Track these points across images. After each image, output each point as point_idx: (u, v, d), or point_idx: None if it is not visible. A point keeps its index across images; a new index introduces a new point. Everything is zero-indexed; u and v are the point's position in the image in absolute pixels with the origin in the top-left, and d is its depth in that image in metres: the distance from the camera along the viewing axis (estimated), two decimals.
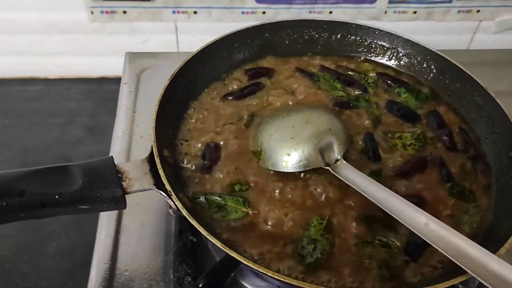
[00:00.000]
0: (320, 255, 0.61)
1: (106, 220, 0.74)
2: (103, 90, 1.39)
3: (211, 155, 0.71)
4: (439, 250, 0.56)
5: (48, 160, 1.23)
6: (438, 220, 0.58)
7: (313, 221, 0.64)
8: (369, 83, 0.85)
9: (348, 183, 0.66)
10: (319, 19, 0.89)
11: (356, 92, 0.83)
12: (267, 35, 0.87)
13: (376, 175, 0.69)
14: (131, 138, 0.86)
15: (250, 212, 0.65)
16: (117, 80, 1.13)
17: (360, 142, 0.74)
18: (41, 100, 1.38)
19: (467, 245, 0.55)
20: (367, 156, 0.72)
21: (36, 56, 1.39)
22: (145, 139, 0.85)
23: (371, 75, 0.86)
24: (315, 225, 0.64)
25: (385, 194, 0.63)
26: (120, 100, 0.92)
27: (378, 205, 0.62)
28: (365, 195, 0.63)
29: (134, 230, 0.73)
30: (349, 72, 0.87)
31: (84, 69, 1.41)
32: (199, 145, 0.73)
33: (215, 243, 0.54)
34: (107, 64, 1.36)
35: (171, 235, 0.72)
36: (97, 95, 1.38)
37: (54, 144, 1.27)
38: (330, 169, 0.68)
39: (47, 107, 1.36)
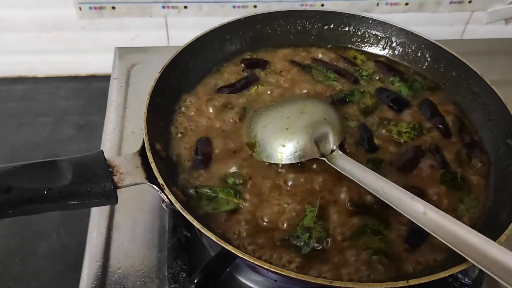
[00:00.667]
0: (316, 244, 0.60)
1: (97, 217, 0.72)
2: (93, 87, 1.36)
3: (204, 150, 0.70)
4: (439, 238, 0.55)
5: (37, 158, 1.21)
6: (436, 208, 0.57)
7: (305, 210, 0.63)
8: (363, 75, 0.83)
9: (344, 174, 0.64)
10: (311, 9, 0.88)
11: (348, 83, 0.82)
12: (259, 26, 0.85)
13: (373, 165, 0.68)
14: (122, 134, 0.84)
15: (242, 205, 0.64)
16: (107, 78, 1.11)
17: (355, 133, 0.73)
18: (30, 99, 1.36)
19: (467, 232, 0.54)
20: (363, 147, 0.71)
21: (25, 54, 1.36)
22: (136, 135, 0.83)
23: (364, 67, 0.85)
24: (307, 213, 0.63)
25: (382, 183, 0.61)
26: (110, 96, 0.90)
27: (376, 194, 0.61)
28: (362, 185, 0.62)
29: (126, 227, 0.71)
30: (344, 64, 0.85)
31: (73, 67, 1.39)
32: (192, 138, 0.71)
33: (210, 237, 0.53)
34: (96, 61, 1.34)
35: (165, 231, 0.71)
36: (86, 93, 1.36)
37: (44, 142, 1.25)
38: (326, 159, 0.67)
39: (37, 106, 1.34)
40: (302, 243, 0.60)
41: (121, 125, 0.85)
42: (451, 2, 1.20)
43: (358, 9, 1.18)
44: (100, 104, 1.16)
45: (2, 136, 1.26)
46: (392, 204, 0.59)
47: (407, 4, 1.19)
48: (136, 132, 0.84)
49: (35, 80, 1.40)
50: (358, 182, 0.63)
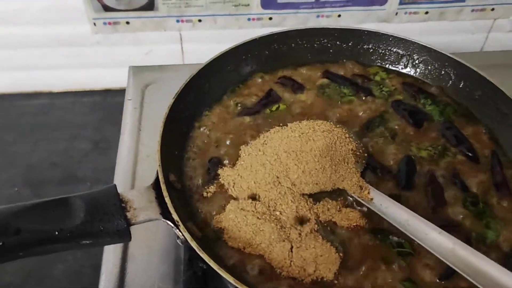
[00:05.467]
0: None
1: (112, 247, 0.71)
2: (108, 102, 1.35)
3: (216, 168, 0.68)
4: (468, 278, 0.52)
5: (54, 176, 1.20)
6: (466, 245, 0.54)
7: None
8: (383, 91, 0.80)
9: (366, 204, 0.62)
10: (329, 26, 0.85)
11: (362, 96, 0.80)
12: (275, 45, 0.83)
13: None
14: (136, 158, 0.82)
15: None
16: (122, 92, 1.10)
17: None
18: (45, 114, 1.35)
19: (499, 272, 0.51)
20: (397, 182, 0.68)
21: (40, 70, 1.36)
22: (151, 159, 0.81)
23: (384, 84, 0.82)
24: None
25: (407, 216, 0.59)
26: (125, 118, 0.89)
27: (400, 228, 0.58)
28: (385, 217, 0.59)
29: (141, 258, 0.70)
30: (362, 80, 0.83)
31: (88, 81, 1.38)
32: (206, 164, 0.70)
33: (228, 279, 0.51)
34: (111, 76, 1.33)
35: (180, 262, 0.69)
36: (102, 108, 1.35)
37: (60, 159, 1.24)
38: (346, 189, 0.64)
39: (52, 122, 1.33)
40: None
41: (136, 149, 0.84)
42: (472, 10, 1.16)
43: (376, 19, 1.15)
44: (116, 119, 1.15)
45: (18, 152, 1.25)
46: (417, 239, 0.56)
47: (427, 12, 1.15)
48: (151, 156, 0.82)
49: (50, 95, 1.39)
50: (380, 214, 0.60)
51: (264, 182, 0.64)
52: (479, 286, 0.51)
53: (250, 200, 0.63)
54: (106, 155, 1.24)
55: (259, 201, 0.63)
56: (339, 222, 0.61)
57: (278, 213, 0.61)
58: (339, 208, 0.63)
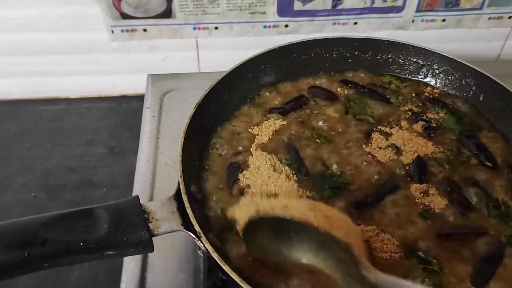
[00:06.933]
0: None
1: (131, 256, 0.71)
2: (124, 108, 1.36)
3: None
4: None
5: (70, 182, 1.22)
6: None
7: None
8: (399, 98, 0.80)
9: None
10: (349, 36, 0.85)
11: (381, 105, 0.79)
12: (294, 55, 0.83)
13: None
14: (155, 167, 0.82)
15: None
16: (137, 98, 1.11)
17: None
18: (61, 120, 1.37)
19: None
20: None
21: (57, 76, 1.37)
22: (170, 167, 0.82)
23: (400, 92, 0.82)
24: None
25: None
26: (143, 126, 0.89)
27: None
28: None
29: (161, 267, 0.70)
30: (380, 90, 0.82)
31: (104, 87, 1.39)
32: (226, 171, 0.70)
33: None
34: (127, 82, 1.34)
35: (199, 271, 0.68)
36: (117, 114, 1.36)
37: (76, 165, 1.25)
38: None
39: (68, 127, 1.34)
40: None
41: (154, 157, 0.84)
42: (490, 18, 1.16)
43: (392, 26, 1.15)
44: (131, 125, 1.16)
45: (35, 159, 1.27)
46: None
47: (444, 20, 1.14)
48: (170, 164, 0.82)
49: (67, 101, 1.40)
50: None
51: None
52: None
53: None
54: (121, 161, 1.25)
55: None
56: (375, 252, 0.60)
57: None
58: (377, 233, 0.61)
